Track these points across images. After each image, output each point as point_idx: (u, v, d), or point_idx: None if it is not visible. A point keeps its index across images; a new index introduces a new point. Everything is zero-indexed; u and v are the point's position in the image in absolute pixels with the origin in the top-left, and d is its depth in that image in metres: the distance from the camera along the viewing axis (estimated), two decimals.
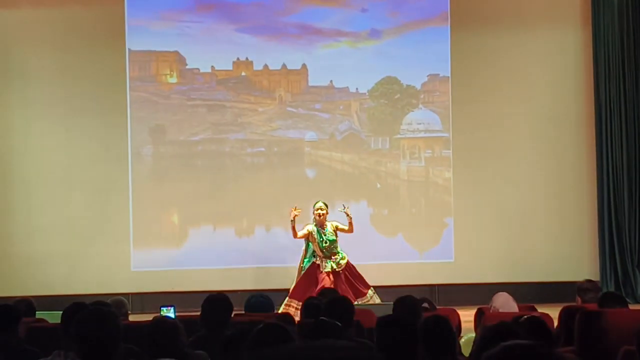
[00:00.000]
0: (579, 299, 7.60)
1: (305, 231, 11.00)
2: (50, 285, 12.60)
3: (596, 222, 12.98)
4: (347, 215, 11.02)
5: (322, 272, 10.95)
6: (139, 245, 12.90)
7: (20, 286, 12.52)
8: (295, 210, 10.95)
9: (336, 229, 11.08)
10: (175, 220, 12.98)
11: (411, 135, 13.21)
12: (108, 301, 6.76)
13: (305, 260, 11.11)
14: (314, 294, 9.99)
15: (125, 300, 7.68)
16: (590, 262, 12.99)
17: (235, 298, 9.75)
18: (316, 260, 11.02)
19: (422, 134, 13.23)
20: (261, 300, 7.61)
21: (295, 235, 11.01)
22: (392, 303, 6.37)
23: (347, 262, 11.07)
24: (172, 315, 6.99)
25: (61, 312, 5.57)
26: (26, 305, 7.47)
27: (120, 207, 12.90)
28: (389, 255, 12.99)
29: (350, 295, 10.32)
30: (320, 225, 11.00)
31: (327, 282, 10.74)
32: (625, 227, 12.86)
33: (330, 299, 6.20)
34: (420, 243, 13.07)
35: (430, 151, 13.21)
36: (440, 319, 4.81)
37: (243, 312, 7.47)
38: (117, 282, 12.67)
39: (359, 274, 11.15)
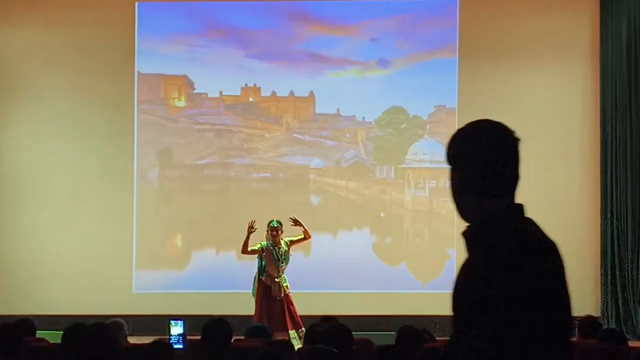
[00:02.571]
0: (579, 335, 7.58)
1: (256, 247, 10.71)
2: (52, 305, 12.59)
3: (599, 258, 12.94)
4: (297, 223, 10.79)
5: (274, 297, 10.73)
6: (141, 267, 12.90)
7: (21, 305, 12.51)
8: (252, 226, 10.68)
9: (290, 244, 10.86)
10: (178, 243, 12.99)
11: (416, 165, 13.23)
12: (107, 322, 6.76)
13: (254, 281, 10.89)
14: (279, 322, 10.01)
15: (124, 323, 7.66)
16: (591, 297, 12.94)
17: (236, 323, 9.75)
18: (266, 281, 10.77)
19: (427, 164, 13.24)
20: (260, 327, 7.61)
21: (245, 249, 10.72)
22: (392, 333, 6.36)
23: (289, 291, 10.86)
24: (181, 329, 6.98)
25: (61, 332, 5.58)
26: (27, 325, 7.47)
27: (124, 228, 12.91)
28: (390, 285, 12.97)
29: (288, 324, 10.28)
30: (275, 244, 10.78)
31: (277, 310, 10.60)
32: (627, 263, 12.81)
33: (329, 327, 6.19)
34: (422, 273, 13.05)
35: (434, 181, 13.22)
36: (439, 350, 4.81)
37: (243, 337, 7.46)
38: (118, 303, 12.66)
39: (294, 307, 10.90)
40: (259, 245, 10.79)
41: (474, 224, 2.87)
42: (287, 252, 10.83)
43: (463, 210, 2.95)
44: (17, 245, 12.97)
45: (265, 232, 10.87)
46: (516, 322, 2.63)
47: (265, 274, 10.84)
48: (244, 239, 10.72)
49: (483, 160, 2.85)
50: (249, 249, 10.78)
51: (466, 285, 2.81)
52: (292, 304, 10.87)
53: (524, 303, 2.65)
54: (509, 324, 2.63)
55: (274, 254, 10.79)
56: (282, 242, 10.87)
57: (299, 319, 10.75)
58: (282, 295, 10.75)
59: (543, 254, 2.81)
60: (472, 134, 2.96)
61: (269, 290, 10.79)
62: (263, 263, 10.85)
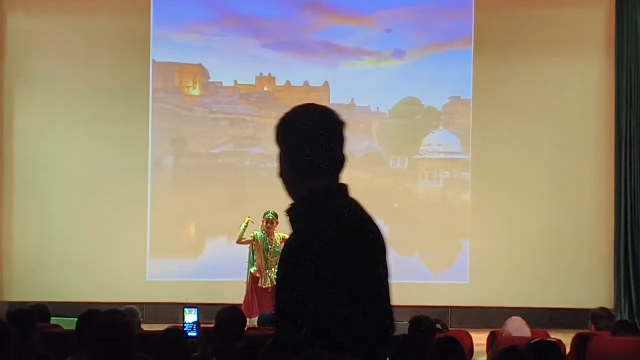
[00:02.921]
0: (592, 327, 7.57)
1: (249, 237, 10.87)
2: (66, 292, 12.65)
3: (612, 250, 12.92)
4: None
5: (262, 287, 10.85)
6: (155, 255, 12.94)
7: (36, 292, 12.57)
8: (249, 219, 10.87)
9: (284, 240, 10.90)
10: (192, 231, 13.02)
11: (430, 157, 13.21)
12: (121, 310, 6.80)
13: (247, 272, 11.06)
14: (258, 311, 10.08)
15: (138, 310, 7.70)
16: (605, 289, 12.92)
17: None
18: (255, 272, 10.91)
19: (441, 156, 13.22)
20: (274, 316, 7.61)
21: (239, 240, 10.93)
22: (406, 322, 6.37)
23: None
24: (195, 317, 7.01)
25: (76, 318, 5.61)
26: (42, 311, 7.52)
27: (138, 216, 12.95)
28: (403, 275, 12.95)
29: None
30: (269, 235, 10.90)
31: (266, 300, 10.64)
32: None
33: None
34: (435, 264, 13.05)
35: (448, 173, 13.20)
36: (452, 341, 4.82)
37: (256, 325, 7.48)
38: (132, 291, 12.71)
39: None
40: (252, 236, 10.92)
41: (298, 202, 3.09)
42: (278, 247, 10.83)
43: (290, 189, 3.15)
44: (30, 232, 13.02)
45: (261, 223, 10.96)
46: (336, 290, 2.80)
47: (254, 266, 10.95)
48: (240, 230, 10.89)
49: (309, 143, 3.04)
50: (243, 240, 10.96)
51: (291, 259, 2.96)
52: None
53: (342, 271, 2.83)
54: (330, 293, 2.80)
55: (265, 245, 10.88)
56: (276, 234, 10.96)
57: None
58: (271, 286, 10.76)
59: (361, 228, 2.99)
60: (299, 117, 3.12)
61: (257, 281, 10.91)
62: (253, 255, 11.00)
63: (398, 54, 13.17)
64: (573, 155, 13.02)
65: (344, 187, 3.12)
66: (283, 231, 10.85)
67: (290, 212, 3.12)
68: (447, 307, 12.89)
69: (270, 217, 10.88)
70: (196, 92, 13.24)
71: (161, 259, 12.93)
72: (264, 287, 10.86)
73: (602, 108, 13.04)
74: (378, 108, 13.22)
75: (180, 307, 8.56)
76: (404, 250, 13.06)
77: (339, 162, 3.17)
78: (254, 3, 13.18)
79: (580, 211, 13.01)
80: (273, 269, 10.81)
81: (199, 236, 13.00)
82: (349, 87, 13.17)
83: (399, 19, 13.15)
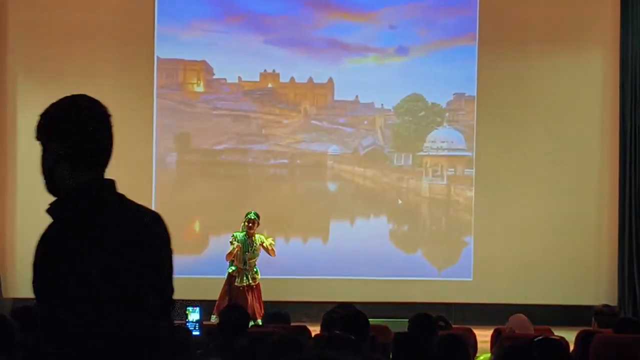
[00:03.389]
0: (595, 324, 7.58)
1: (233, 247, 10.86)
2: None
3: (616, 246, 12.92)
4: (268, 250, 10.98)
5: (237, 286, 10.90)
6: None
7: None
8: (237, 248, 10.87)
9: (262, 244, 10.99)
10: (196, 228, 13.04)
11: (434, 153, 13.23)
12: None
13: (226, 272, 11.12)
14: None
15: None
16: (609, 286, 12.93)
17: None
18: (233, 272, 10.95)
19: (445, 152, 13.24)
20: (279, 313, 7.64)
21: (229, 257, 10.94)
22: (408, 320, 6.38)
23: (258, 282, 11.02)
24: (197, 316, 7.02)
25: None
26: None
27: None
28: (407, 272, 12.99)
29: (254, 315, 10.38)
30: (249, 235, 10.92)
31: (240, 299, 10.72)
32: None
33: (346, 313, 6.22)
34: (439, 261, 13.07)
35: (452, 170, 13.21)
36: (455, 337, 4.83)
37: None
38: None
39: (260, 298, 11.06)
40: (234, 242, 10.89)
41: (59, 198, 2.97)
42: (257, 248, 10.92)
43: (50, 184, 3.04)
44: (34, 227, 12.99)
45: (242, 223, 11.00)
46: (107, 284, 2.71)
47: (232, 265, 10.98)
48: (230, 250, 10.86)
49: (72, 135, 2.93)
50: (229, 254, 10.93)
51: (50, 254, 2.91)
52: (259, 295, 11.01)
53: (113, 264, 2.74)
54: (100, 287, 2.71)
55: (245, 245, 10.90)
56: (256, 235, 10.98)
57: (262, 309, 10.87)
58: (247, 285, 10.86)
59: (132, 223, 2.90)
60: (63, 109, 3.04)
61: (233, 281, 10.95)
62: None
63: (402, 50, 13.18)
64: (577, 152, 13.03)
65: (113, 182, 3.03)
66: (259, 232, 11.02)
67: (51, 210, 3.02)
68: (451, 303, 12.90)
69: (252, 217, 10.92)
70: (200, 88, 13.25)
71: None
72: (239, 286, 10.90)
73: (607, 105, 13.04)
74: (382, 104, 13.23)
75: (184, 304, 8.59)
76: (408, 247, 13.09)
77: (106, 155, 3.04)
78: None
79: (585, 208, 13.01)
80: (254, 269, 10.94)
81: (202, 233, 13.03)
82: (353, 83, 13.18)
83: (403, 15, 13.16)
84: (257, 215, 10.95)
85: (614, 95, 12.98)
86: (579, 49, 13.09)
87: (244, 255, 10.88)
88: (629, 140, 12.82)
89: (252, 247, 10.92)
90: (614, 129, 12.97)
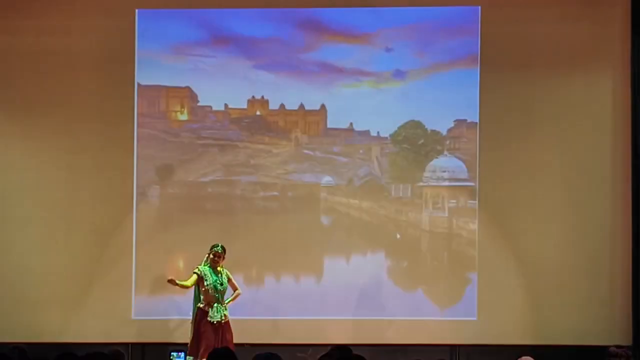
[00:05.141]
0: None
1: (194, 275, 11.32)
2: (44, 332, 12.61)
3: (630, 283, 12.88)
4: (235, 285, 11.50)
5: (211, 321, 11.20)
6: (141, 292, 12.90)
7: (12, 331, 12.53)
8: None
9: (229, 280, 11.46)
10: (180, 265, 12.95)
11: (435, 184, 13.21)
12: (106, 352, 6.77)
13: (192, 310, 11.45)
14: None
15: (123, 353, 7.67)
16: (622, 325, 12.88)
17: (243, 353, 9.69)
18: (203, 306, 11.29)
19: (446, 183, 13.22)
20: (269, 355, 7.58)
21: (186, 287, 11.34)
22: None
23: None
24: None
25: None
26: (19, 354, 7.49)
27: (122, 249, 12.91)
28: (406, 311, 12.94)
29: None
30: (214, 268, 11.33)
31: (212, 336, 11.01)
32: None
33: (341, 357, 6.18)
34: (441, 299, 13.01)
35: (454, 201, 13.19)
36: None
37: None
38: (116, 330, 12.67)
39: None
40: (196, 273, 11.35)
41: None
42: (224, 282, 11.37)
43: None
44: (6, 266, 12.98)
45: (206, 256, 11.35)
46: None
47: (201, 300, 11.34)
48: (186, 283, 11.35)
49: None
50: (189, 281, 11.37)
51: None
52: (229, 332, 11.35)
53: None
54: None
55: (213, 277, 11.33)
56: (222, 269, 11.41)
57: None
58: (217, 322, 11.22)
59: None
60: None
61: (205, 315, 11.25)
62: (199, 291, 11.41)
63: (399, 74, 13.19)
64: (587, 181, 13.00)
65: None
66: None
67: None
68: (455, 345, 12.84)
69: (219, 251, 11.39)
70: (184, 116, 13.24)
71: (148, 295, 12.88)
72: (214, 321, 11.18)
73: (618, 129, 13.03)
74: (378, 132, 13.22)
75: (168, 347, 8.55)
76: (407, 285, 13.04)
77: None
78: (246, 22, 13.21)
79: (596, 240, 12.98)
80: (224, 305, 11.35)
81: (187, 271, 12.90)
82: (347, 110, 13.18)
83: (400, 37, 13.18)
84: (224, 249, 11.44)
85: (625, 120, 12.98)
86: (588, 71, 13.10)
87: (216, 286, 11.15)
88: None
89: (219, 277, 11.30)
90: (626, 156, 12.95)
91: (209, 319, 11.19)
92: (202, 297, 11.32)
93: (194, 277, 11.33)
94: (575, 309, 12.87)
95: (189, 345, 11.24)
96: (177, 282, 11.31)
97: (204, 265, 11.37)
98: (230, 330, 11.36)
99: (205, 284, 11.29)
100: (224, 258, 11.43)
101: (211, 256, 11.35)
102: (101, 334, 12.51)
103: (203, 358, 10.85)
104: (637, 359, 9.22)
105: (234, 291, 11.52)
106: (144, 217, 13.02)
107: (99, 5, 13.10)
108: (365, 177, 13.25)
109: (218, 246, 11.38)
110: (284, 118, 13.22)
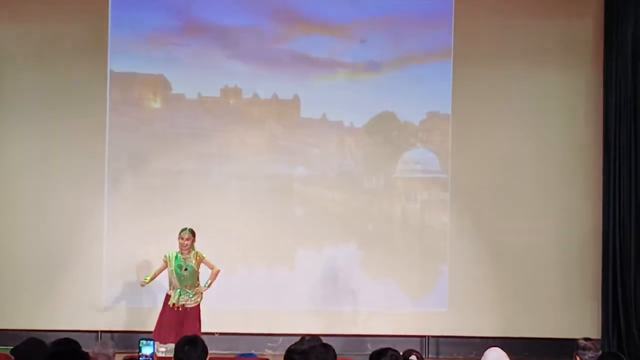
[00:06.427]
0: (577, 358, 7.61)
1: (161, 261, 11.35)
2: (14, 318, 12.59)
3: (600, 276, 12.98)
4: (210, 264, 11.41)
5: (170, 306, 11.19)
6: (112, 280, 12.88)
7: None
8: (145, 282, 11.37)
9: (201, 261, 11.34)
10: (152, 254, 12.93)
11: (407, 175, 13.26)
12: (97, 343, 6.78)
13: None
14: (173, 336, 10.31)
15: (112, 342, 7.67)
16: (592, 318, 12.99)
17: (213, 341, 9.74)
18: (168, 290, 11.34)
19: (418, 175, 13.27)
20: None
21: (156, 274, 11.40)
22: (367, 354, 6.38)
23: (199, 306, 11.28)
24: (151, 349, 7.00)
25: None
26: None
27: (93, 237, 12.90)
28: (378, 302, 13.00)
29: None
30: (182, 252, 11.28)
31: (166, 319, 11.03)
32: (630, 283, 12.84)
33: (312, 346, 6.22)
34: (412, 290, 13.07)
35: (426, 193, 13.25)
36: None
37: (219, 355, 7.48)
38: (86, 318, 12.66)
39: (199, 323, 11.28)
40: (162, 260, 11.35)
41: None
42: (193, 264, 11.26)
43: None
44: None
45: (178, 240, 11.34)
46: None
47: (170, 284, 11.32)
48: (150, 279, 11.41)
49: None
50: (157, 269, 11.43)
51: None
52: (193, 318, 11.21)
53: None
54: None
55: (176, 260, 11.27)
56: (192, 252, 11.28)
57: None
58: (180, 306, 11.17)
59: None
60: None
61: (168, 300, 11.27)
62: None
63: (373, 65, 13.22)
64: (559, 174, 13.10)
65: None
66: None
67: None
68: (424, 336, 12.92)
69: (186, 234, 11.27)
70: (157, 104, 13.22)
71: (118, 283, 12.87)
72: (172, 304, 11.19)
73: (590, 123, 13.13)
74: (351, 123, 13.25)
75: (138, 335, 8.55)
76: (379, 275, 13.09)
77: None
78: (220, 11, 13.19)
79: (567, 234, 13.08)
80: (187, 288, 11.24)
81: (158, 259, 12.90)
82: (321, 100, 13.20)
83: (375, 28, 13.21)
84: (192, 232, 11.31)
85: (597, 113, 13.07)
86: (561, 65, 13.18)
87: (177, 271, 11.16)
88: (613, 161, 12.89)
89: (184, 262, 11.16)
90: (598, 149, 13.05)
91: (168, 303, 11.21)
92: (171, 282, 11.33)
93: (161, 262, 11.36)
94: (545, 302, 12.97)
95: (155, 329, 11.21)
96: (146, 278, 11.35)
97: (175, 252, 11.34)
98: (196, 317, 11.23)
99: (169, 269, 11.30)
100: (193, 241, 11.32)
101: (179, 240, 11.32)
102: (70, 321, 12.50)
103: (168, 342, 10.87)
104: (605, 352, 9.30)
105: (212, 270, 11.39)
106: (115, 205, 13.00)
107: None
108: (338, 168, 13.27)
109: (185, 229, 11.31)
110: (258, 108, 13.22)
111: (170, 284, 11.30)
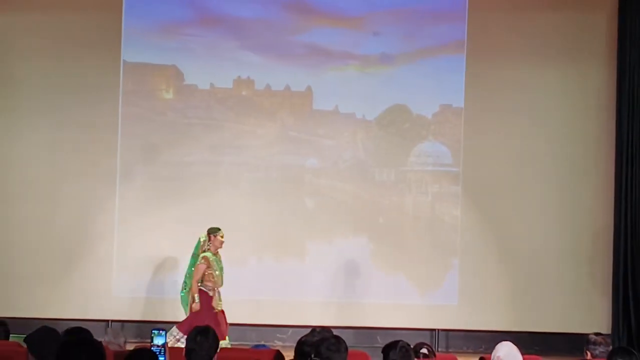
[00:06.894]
0: (587, 353, 7.63)
1: (202, 265, 11.05)
2: (27, 306, 12.64)
3: (611, 271, 12.98)
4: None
5: (216, 310, 11.11)
6: (122, 270, 12.92)
7: None
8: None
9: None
10: (163, 245, 12.98)
11: (419, 168, 13.26)
12: (107, 330, 6.82)
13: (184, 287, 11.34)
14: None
15: (120, 330, 7.71)
16: (602, 313, 12.98)
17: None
18: (207, 290, 11.12)
19: (430, 167, 13.28)
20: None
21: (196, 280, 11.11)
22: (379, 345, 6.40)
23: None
24: (163, 340, 7.04)
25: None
26: (1, 328, 7.53)
27: (105, 227, 12.94)
28: (388, 295, 13.01)
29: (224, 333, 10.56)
30: (216, 252, 11.20)
31: (218, 321, 10.85)
32: None
33: (322, 338, 6.24)
34: (422, 284, 13.08)
35: (438, 186, 13.25)
36: None
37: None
38: (97, 307, 12.72)
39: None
40: (203, 263, 11.07)
41: None
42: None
43: None
44: None
45: (203, 240, 11.20)
46: None
47: (204, 284, 11.12)
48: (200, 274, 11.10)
49: None
50: (198, 275, 11.11)
51: None
52: (225, 322, 11.20)
53: None
54: None
55: (217, 263, 11.15)
56: (219, 253, 11.29)
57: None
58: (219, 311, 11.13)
59: None
60: None
61: (210, 300, 11.10)
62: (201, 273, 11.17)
63: (386, 58, 13.23)
64: (571, 169, 13.09)
65: None
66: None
67: None
68: (434, 329, 12.94)
69: (223, 234, 11.19)
70: (169, 95, 13.24)
71: (129, 273, 12.91)
72: (218, 310, 11.13)
73: (603, 117, 13.11)
74: (363, 115, 13.26)
75: (149, 325, 8.59)
76: (389, 269, 13.10)
77: None
78: (234, 2, 13.21)
79: (578, 228, 13.07)
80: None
81: (170, 252, 12.92)
82: (333, 92, 13.21)
83: (388, 21, 13.21)
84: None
85: (610, 108, 13.05)
86: (573, 58, 13.16)
87: (222, 274, 11.08)
88: (626, 156, 12.87)
89: (220, 264, 11.12)
90: (610, 144, 13.02)
91: (213, 305, 11.07)
92: (203, 281, 11.09)
93: (202, 266, 11.04)
94: (556, 296, 12.96)
95: (182, 323, 10.98)
96: (195, 297, 11.03)
97: (209, 252, 11.13)
98: (226, 320, 11.17)
99: (215, 272, 11.11)
100: None
101: (221, 239, 11.14)
102: (82, 310, 12.56)
103: None
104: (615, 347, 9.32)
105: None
106: (127, 195, 13.03)
107: None
108: (350, 160, 13.28)
109: (221, 230, 11.18)
110: (270, 99, 13.24)
111: (215, 285, 11.10)
